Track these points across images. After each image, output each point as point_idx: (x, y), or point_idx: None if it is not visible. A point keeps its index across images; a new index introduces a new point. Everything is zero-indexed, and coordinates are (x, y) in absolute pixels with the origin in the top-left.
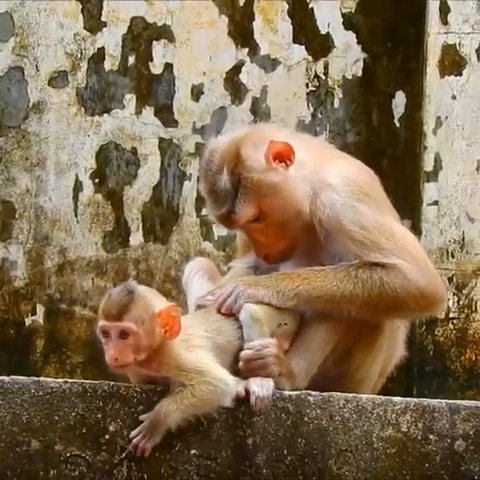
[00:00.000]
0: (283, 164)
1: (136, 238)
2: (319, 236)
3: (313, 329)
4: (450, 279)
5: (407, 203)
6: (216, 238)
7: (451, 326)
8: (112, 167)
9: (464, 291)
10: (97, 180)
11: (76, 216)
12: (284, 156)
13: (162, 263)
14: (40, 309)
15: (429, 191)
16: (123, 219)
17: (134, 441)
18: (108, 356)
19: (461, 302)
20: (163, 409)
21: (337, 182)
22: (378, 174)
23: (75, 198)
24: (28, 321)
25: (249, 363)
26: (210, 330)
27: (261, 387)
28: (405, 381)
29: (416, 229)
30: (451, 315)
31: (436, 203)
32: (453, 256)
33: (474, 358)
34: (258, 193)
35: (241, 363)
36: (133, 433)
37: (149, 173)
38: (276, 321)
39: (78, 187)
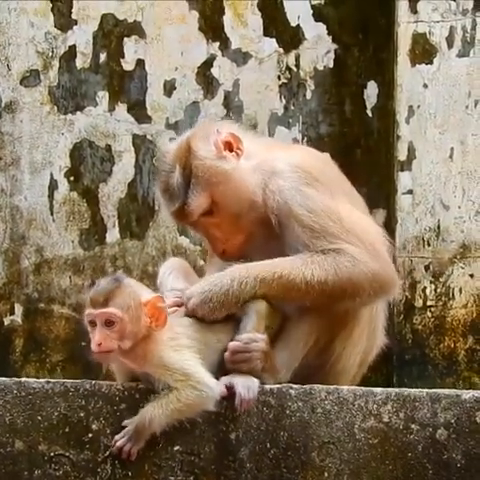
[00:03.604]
0: (233, 154)
1: (112, 235)
2: (274, 228)
3: (295, 323)
4: (427, 267)
5: (382, 192)
6: (192, 233)
7: (429, 314)
8: (87, 165)
9: (441, 279)
10: (72, 178)
11: (52, 215)
12: (233, 146)
13: (139, 259)
14: (18, 308)
15: (403, 180)
16: (99, 216)
17: (118, 444)
18: (93, 343)
19: (438, 290)
20: (148, 414)
21: (284, 169)
22: (352, 164)
23: (50, 197)
24: (7, 321)
25: (235, 355)
26: (200, 330)
27: (247, 389)
28: (385, 370)
29: (391, 218)
30: (428, 303)
31: (410, 192)
32: (429, 244)
33: (453, 345)
34: (209, 182)
35: (227, 353)
36: (117, 437)
37: (124, 170)
38: (269, 322)
39: (53, 186)
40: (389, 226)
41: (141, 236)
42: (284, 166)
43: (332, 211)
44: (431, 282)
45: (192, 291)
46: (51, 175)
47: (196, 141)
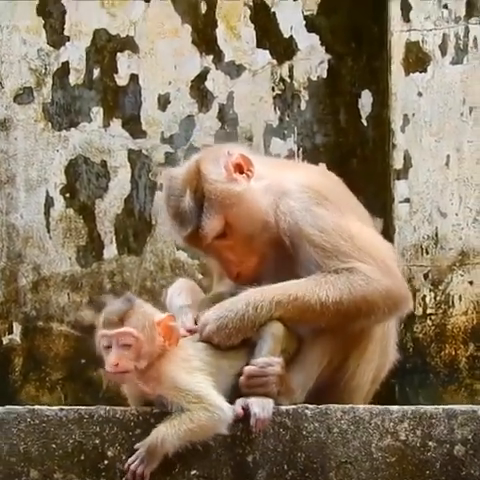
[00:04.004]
0: (244, 175)
1: (110, 251)
2: (288, 249)
3: (309, 345)
4: (426, 275)
5: (379, 201)
6: (185, 249)
7: (429, 322)
8: (82, 181)
9: (440, 287)
10: (68, 195)
11: (48, 232)
12: (243, 167)
13: (137, 275)
14: (17, 327)
15: (400, 189)
16: (96, 233)
17: (131, 467)
18: (108, 363)
19: (438, 298)
20: (160, 435)
21: (293, 189)
22: (348, 174)
23: (47, 214)
24: (5, 340)
25: (251, 379)
26: (213, 354)
27: (262, 408)
28: (386, 379)
29: (389, 227)
30: (428, 311)
31: (408, 200)
32: (427, 252)
33: (454, 353)
34: (222, 204)
35: (243, 377)
36: (130, 460)
37: (120, 185)
38: (285, 346)
39: (49, 203)
40: (387, 235)
41: (139, 251)
42: (293, 186)
43: (343, 229)
44: (430, 290)
45: (207, 318)
46: (47, 192)
47: (206, 164)
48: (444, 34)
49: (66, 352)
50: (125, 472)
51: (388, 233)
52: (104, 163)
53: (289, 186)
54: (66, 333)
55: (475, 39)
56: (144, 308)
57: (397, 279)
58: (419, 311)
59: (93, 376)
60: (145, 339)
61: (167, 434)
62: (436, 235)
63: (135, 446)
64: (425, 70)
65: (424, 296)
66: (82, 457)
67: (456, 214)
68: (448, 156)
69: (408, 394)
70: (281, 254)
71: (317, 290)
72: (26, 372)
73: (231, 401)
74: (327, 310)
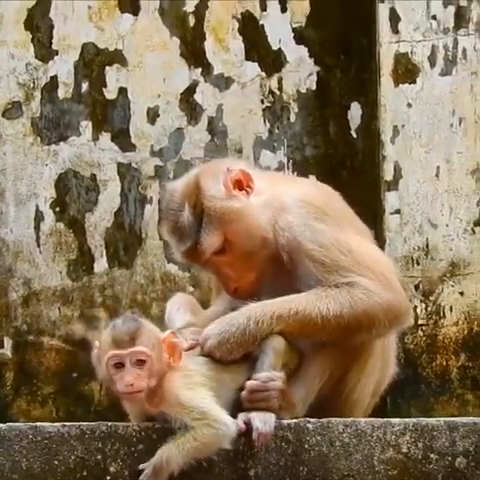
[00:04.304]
0: (243, 192)
1: (100, 265)
2: (286, 264)
3: (310, 359)
4: (417, 286)
5: (369, 213)
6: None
7: (420, 333)
8: (72, 195)
9: (431, 298)
10: (58, 209)
11: (39, 246)
12: (243, 183)
13: (128, 288)
14: (8, 342)
15: (390, 200)
16: (86, 246)
17: None
18: (122, 383)
19: (429, 309)
20: (165, 455)
21: (292, 205)
22: (338, 186)
23: (37, 228)
24: None
25: (253, 394)
26: (214, 369)
27: (264, 423)
28: None
29: (380, 238)
30: (420, 322)
31: (398, 212)
32: (418, 263)
33: (445, 363)
34: (222, 221)
35: (244, 392)
36: None
37: (109, 199)
38: (286, 361)
39: (39, 217)
40: (377, 246)
41: (129, 265)
42: (292, 201)
43: (342, 244)
44: (421, 301)
45: (208, 333)
46: (37, 206)
47: (205, 180)
48: (433, 45)
49: (57, 366)
50: None
51: (379, 244)
52: (94, 177)
53: (287, 201)
54: (57, 347)
55: (464, 50)
56: (150, 326)
57: (398, 292)
58: (410, 322)
59: (85, 390)
60: (156, 358)
61: (172, 454)
62: (427, 246)
63: (140, 466)
64: (414, 81)
65: (415, 307)
66: (84, 473)
67: (446, 225)
68: (438, 167)
69: (400, 405)
70: (280, 270)
71: (318, 304)
72: (17, 386)
73: (233, 415)
74: (328, 324)
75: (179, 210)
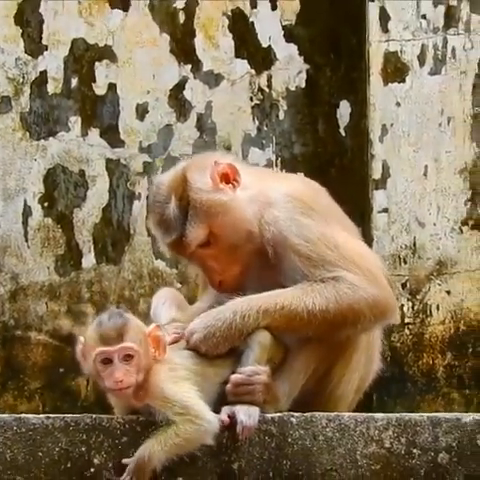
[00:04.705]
0: (230, 185)
1: (88, 260)
2: (271, 259)
3: (295, 353)
4: (404, 285)
5: (357, 211)
6: (168, 256)
7: (407, 331)
8: (60, 190)
9: (418, 296)
10: (46, 204)
11: (26, 241)
12: (230, 177)
13: (115, 284)
14: None
15: (378, 198)
16: (74, 242)
17: None
18: (111, 380)
19: (416, 307)
20: (147, 451)
21: (278, 199)
22: (326, 184)
23: (25, 223)
24: None
25: (237, 387)
26: (199, 363)
27: (248, 416)
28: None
29: (367, 237)
30: (406, 320)
31: (386, 210)
32: (405, 262)
33: (431, 362)
34: (207, 214)
35: (229, 385)
36: (120, 479)
37: (98, 194)
38: (272, 355)
39: (27, 212)
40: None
41: (117, 261)
42: (278, 196)
43: (328, 239)
44: (408, 299)
45: (194, 327)
46: (25, 201)
47: (192, 173)
48: (423, 44)
49: (44, 361)
50: None
51: (366, 243)
52: (82, 172)
53: (274, 196)
54: (44, 342)
55: (453, 50)
56: (136, 321)
57: (383, 288)
58: (397, 320)
59: (71, 385)
60: (143, 353)
61: (154, 450)
62: (414, 245)
63: (123, 461)
64: (403, 80)
65: (402, 305)
66: (68, 465)
67: (434, 224)
68: (426, 166)
69: (386, 403)
70: (265, 264)
71: (304, 299)
72: (4, 381)
73: (217, 409)
74: (314, 318)
75: (165, 202)
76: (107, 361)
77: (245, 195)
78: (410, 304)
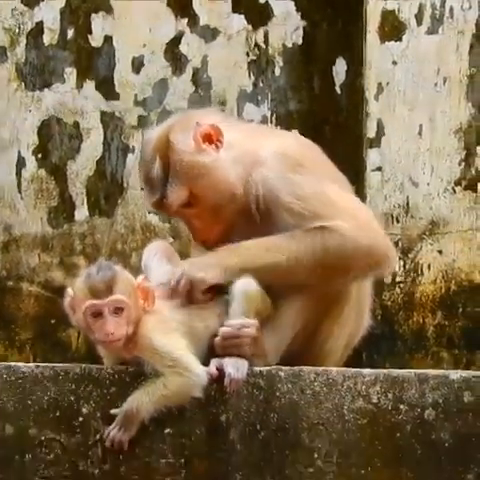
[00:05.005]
0: (213, 146)
1: (81, 213)
2: (256, 218)
3: (283, 306)
4: (396, 244)
5: (351, 169)
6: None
7: (398, 290)
8: (55, 142)
9: (410, 255)
10: (40, 156)
11: (20, 192)
12: (213, 138)
13: (108, 237)
14: None
15: (372, 157)
16: (67, 194)
17: (110, 435)
18: (102, 332)
19: (407, 266)
20: (135, 402)
21: (268, 158)
22: (321, 141)
23: (18, 174)
24: None
25: (226, 340)
26: (187, 314)
27: (236, 369)
28: (354, 346)
29: (360, 195)
30: (398, 279)
31: (379, 169)
32: (398, 221)
33: (421, 321)
34: (188, 175)
35: (218, 338)
36: (109, 428)
37: (92, 147)
38: (259, 308)
39: (21, 163)
40: None
41: (110, 214)
42: (267, 154)
43: (321, 195)
44: (400, 258)
45: (182, 273)
46: (19, 153)
47: (175, 134)
48: (420, 3)
49: (36, 312)
50: (104, 439)
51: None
52: (77, 124)
53: (263, 154)
54: (36, 293)
55: (451, 9)
56: (124, 273)
57: (380, 236)
58: (388, 279)
59: (62, 336)
60: (133, 305)
61: (142, 401)
62: (407, 204)
63: (112, 411)
64: (400, 39)
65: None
66: (57, 413)
67: (427, 184)
68: (421, 126)
69: (375, 361)
70: (249, 223)
71: (291, 244)
72: None
73: (205, 362)
74: (301, 269)
75: (150, 162)
76: (97, 314)
77: (229, 156)
78: (401, 263)
